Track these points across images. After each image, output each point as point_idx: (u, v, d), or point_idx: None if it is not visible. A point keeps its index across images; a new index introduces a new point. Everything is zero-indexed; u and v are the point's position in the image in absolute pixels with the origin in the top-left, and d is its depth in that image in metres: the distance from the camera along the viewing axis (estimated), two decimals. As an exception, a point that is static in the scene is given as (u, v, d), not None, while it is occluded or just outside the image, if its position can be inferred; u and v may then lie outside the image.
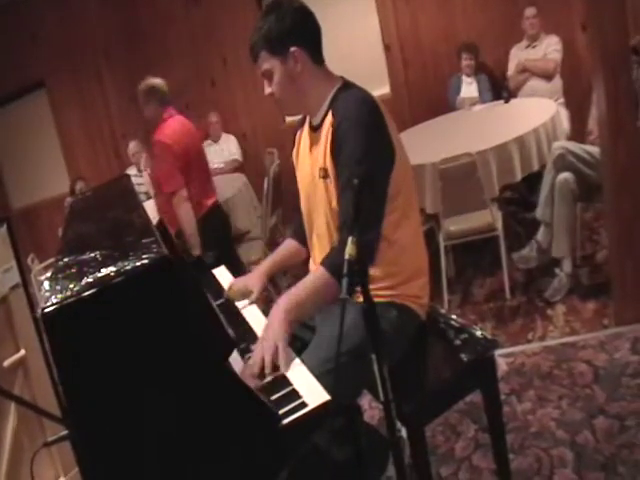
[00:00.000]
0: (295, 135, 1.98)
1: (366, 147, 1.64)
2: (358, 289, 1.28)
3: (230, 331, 1.64)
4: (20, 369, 2.08)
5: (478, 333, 1.87)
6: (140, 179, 5.37)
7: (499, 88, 4.77)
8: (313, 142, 1.82)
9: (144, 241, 1.32)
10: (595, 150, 3.12)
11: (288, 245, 2.09)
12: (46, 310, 1.16)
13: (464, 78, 5.03)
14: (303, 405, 1.35)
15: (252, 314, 1.87)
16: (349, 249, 1.23)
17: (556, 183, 3.23)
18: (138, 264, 1.21)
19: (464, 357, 1.80)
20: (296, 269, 2.24)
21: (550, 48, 4.63)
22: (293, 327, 1.61)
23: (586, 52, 4.57)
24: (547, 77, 4.62)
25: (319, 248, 1.86)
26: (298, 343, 1.79)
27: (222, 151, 5.78)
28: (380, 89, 5.53)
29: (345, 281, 1.21)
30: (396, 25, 5.53)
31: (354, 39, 5.56)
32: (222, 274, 2.20)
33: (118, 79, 6.19)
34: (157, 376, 1.25)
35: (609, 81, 2.68)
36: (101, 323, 1.20)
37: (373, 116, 1.68)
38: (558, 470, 2.15)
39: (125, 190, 1.94)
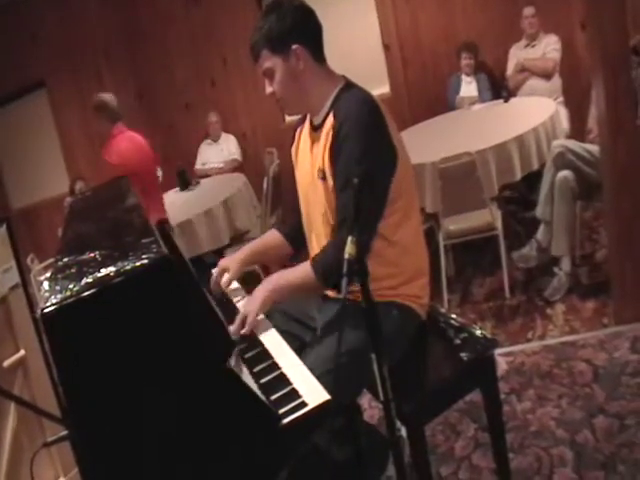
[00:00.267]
0: (295, 131, 1.97)
1: (366, 147, 1.63)
2: (356, 288, 1.28)
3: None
4: (20, 369, 2.07)
5: (478, 332, 1.88)
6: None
7: (498, 87, 4.77)
8: (314, 141, 1.82)
9: (144, 241, 1.32)
10: (595, 149, 3.11)
11: (272, 236, 2.07)
12: (46, 310, 1.16)
13: (463, 77, 5.03)
14: (303, 405, 1.35)
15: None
16: (349, 248, 1.23)
17: (556, 181, 3.23)
18: (138, 264, 1.21)
19: (464, 356, 1.80)
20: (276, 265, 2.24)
21: (549, 47, 4.62)
22: (269, 305, 1.73)
23: (585, 51, 4.57)
24: (546, 76, 4.61)
25: (318, 247, 1.85)
26: (298, 343, 1.80)
27: (222, 151, 5.78)
28: (380, 88, 5.53)
29: (345, 281, 1.21)
30: (396, 24, 5.53)
31: (354, 38, 5.55)
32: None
33: (118, 79, 6.18)
34: (157, 376, 1.25)
35: (609, 80, 2.68)
36: (101, 323, 1.20)
37: (373, 116, 1.68)
38: (558, 469, 2.15)
39: (124, 190, 1.94)
